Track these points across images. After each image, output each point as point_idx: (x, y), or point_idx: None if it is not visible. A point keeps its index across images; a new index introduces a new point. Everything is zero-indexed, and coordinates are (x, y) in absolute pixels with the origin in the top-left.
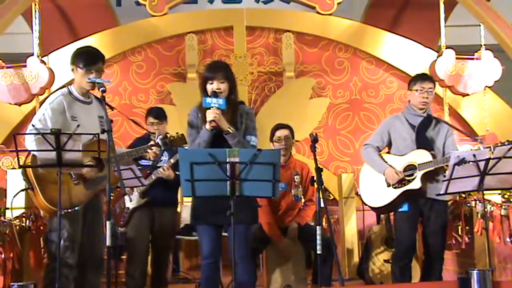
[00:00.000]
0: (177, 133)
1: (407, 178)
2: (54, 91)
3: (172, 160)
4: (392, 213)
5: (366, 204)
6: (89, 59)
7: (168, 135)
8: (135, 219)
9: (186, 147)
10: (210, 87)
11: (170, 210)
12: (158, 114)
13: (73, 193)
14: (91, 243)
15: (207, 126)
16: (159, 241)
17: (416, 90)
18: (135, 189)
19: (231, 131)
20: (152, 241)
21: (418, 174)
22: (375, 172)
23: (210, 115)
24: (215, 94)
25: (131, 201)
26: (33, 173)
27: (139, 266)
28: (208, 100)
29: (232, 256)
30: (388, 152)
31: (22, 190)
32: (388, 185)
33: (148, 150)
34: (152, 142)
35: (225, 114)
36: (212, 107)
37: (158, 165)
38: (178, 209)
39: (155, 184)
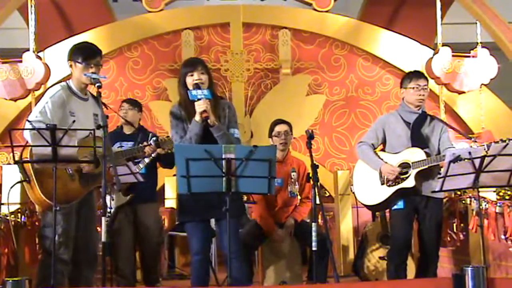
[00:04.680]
0: (168, 136)
1: (401, 176)
2: (51, 86)
3: (153, 154)
4: (387, 210)
5: (360, 202)
6: (88, 53)
7: (159, 137)
8: (117, 222)
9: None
10: (190, 79)
11: (153, 205)
12: (133, 101)
13: (69, 189)
14: (85, 239)
15: (197, 118)
16: (147, 237)
17: (412, 87)
18: (115, 187)
19: (217, 123)
20: (140, 238)
21: (412, 172)
22: (368, 170)
23: (201, 106)
24: (198, 87)
25: (113, 200)
26: (32, 165)
27: (125, 264)
28: (194, 92)
29: (228, 252)
30: (383, 150)
31: (18, 182)
32: (382, 183)
33: (143, 151)
34: (145, 143)
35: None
36: (200, 98)
37: (136, 160)
38: (174, 206)
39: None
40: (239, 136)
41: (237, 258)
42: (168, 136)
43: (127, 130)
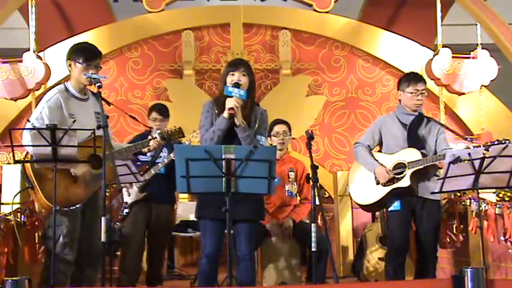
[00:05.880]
0: (174, 126)
1: (396, 176)
2: (50, 87)
3: (172, 155)
4: (386, 211)
5: (355, 202)
6: (89, 55)
7: (165, 129)
8: (132, 214)
9: (184, 141)
10: (230, 78)
11: (167, 207)
12: (162, 111)
13: (73, 192)
14: (89, 240)
15: (225, 113)
16: (155, 238)
17: (410, 92)
18: (134, 184)
19: (243, 124)
20: (147, 237)
21: (407, 172)
22: (364, 170)
23: (230, 102)
24: (237, 85)
25: (129, 196)
26: (33, 171)
27: (133, 261)
28: (230, 89)
29: (232, 254)
30: (380, 151)
31: (23, 190)
32: (377, 183)
33: (149, 143)
34: (150, 137)
35: (242, 109)
36: (234, 95)
37: (157, 161)
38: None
39: (153, 180)
40: (264, 143)
41: (248, 260)
42: (175, 127)
43: (158, 129)
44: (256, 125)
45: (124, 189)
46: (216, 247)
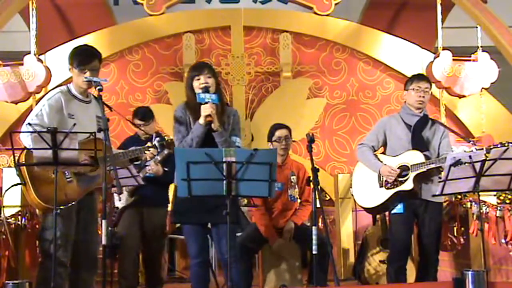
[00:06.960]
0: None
1: (399, 178)
2: (51, 90)
3: (158, 158)
4: (387, 214)
5: (359, 205)
6: (82, 58)
7: (166, 138)
8: (124, 219)
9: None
10: (197, 83)
11: (160, 210)
12: (144, 115)
13: (65, 191)
14: (85, 242)
15: (201, 121)
16: (151, 241)
17: (413, 89)
18: (123, 188)
19: (220, 129)
20: (143, 241)
21: (411, 175)
22: (367, 172)
23: (206, 109)
24: (206, 90)
25: (120, 200)
26: (27, 168)
27: (129, 266)
28: (202, 95)
29: (231, 258)
30: (383, 152)
31: (14, 185)
32: (381, 186)
33: (145, 152)
34: (149, 144)
35: (217, 113)
36: (207, 102)
37: (146, 164)
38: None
39: (144, 183)
40: (240, 144)
41: (235, 262)
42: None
43: (143, 135)
44: (230, 127)
45: (114, 194)
46: (201, 250)
